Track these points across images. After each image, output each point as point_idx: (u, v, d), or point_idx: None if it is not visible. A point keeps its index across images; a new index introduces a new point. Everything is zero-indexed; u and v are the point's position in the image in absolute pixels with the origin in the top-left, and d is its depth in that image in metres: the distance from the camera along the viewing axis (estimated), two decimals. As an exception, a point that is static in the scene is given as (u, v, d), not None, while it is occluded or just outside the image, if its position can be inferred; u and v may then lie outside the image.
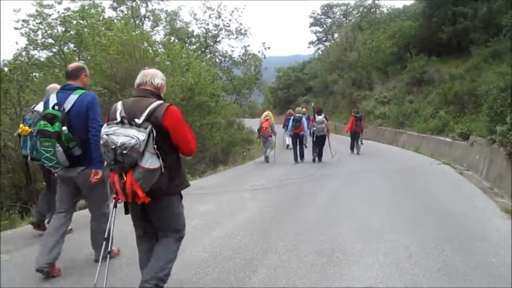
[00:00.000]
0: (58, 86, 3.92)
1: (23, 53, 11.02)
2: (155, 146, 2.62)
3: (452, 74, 18.07)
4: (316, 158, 12.37)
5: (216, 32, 23.24)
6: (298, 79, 46.50)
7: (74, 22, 10.06)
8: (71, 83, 3.59)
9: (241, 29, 23.28)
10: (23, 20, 10.08)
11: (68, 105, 3.43)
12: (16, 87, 7.25)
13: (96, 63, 10.16)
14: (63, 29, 10.12)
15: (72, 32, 10.16)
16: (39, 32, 9.96)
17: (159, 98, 2.87)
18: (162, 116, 2.68)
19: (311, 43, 52.16)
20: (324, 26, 50.08)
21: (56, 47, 10.54)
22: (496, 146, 8.74)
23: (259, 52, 24.43)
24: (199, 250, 4.25)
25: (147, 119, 2.65)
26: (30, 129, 4.38)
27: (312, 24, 50.78)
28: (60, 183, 3.66)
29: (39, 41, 10.34)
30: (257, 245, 4.41)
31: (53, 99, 3.50)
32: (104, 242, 2.95)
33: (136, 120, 2.64)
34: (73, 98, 3.45)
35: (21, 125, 4.53)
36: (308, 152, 12.51)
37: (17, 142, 6.26)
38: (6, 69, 8.16)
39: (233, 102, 22.48)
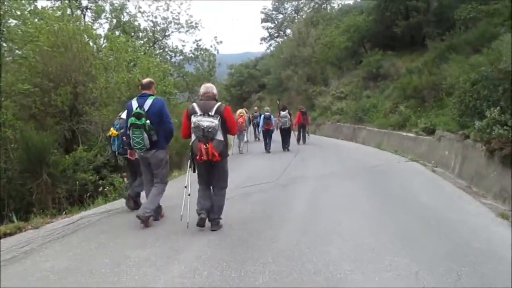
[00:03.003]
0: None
1: None
2: (220, 128, 4.60)
3: (409, 68, 17.87)
4: (286, 147, 14.53)
5: (165, 25, 21.70)
6: (250, 76, 45.70)
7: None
8: (146, 92, 5.12)
9: (191, 22, 21.90)
10: None
11: (146, 106, 4.95)
12: None
13: (22, 56, 8.55)
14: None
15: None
16: None
17: (216, 100, 4.83)
18: (222, 111, 4.66)
19: (263, 39, 51.34)
20: (276, 22, 49.45)
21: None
22: (471, 142, 8.26)
23: (211, 47, 23.22)
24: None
25: (215, 112, 4.59)
26: (117, 132, 5.69)
27: (263, 20, 49.99)
28: (141, 162, 5.25)
29: None
30: (230, 281, 3.36)
31: (135, 104, 5.00)
32: (185, 189, 4.92)
33: (209, 113, 4.57)
34: (149, 102, 4.99)
35: (111, 128, 5.80)
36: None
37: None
38: None
39: (186, 100, 21.05)
